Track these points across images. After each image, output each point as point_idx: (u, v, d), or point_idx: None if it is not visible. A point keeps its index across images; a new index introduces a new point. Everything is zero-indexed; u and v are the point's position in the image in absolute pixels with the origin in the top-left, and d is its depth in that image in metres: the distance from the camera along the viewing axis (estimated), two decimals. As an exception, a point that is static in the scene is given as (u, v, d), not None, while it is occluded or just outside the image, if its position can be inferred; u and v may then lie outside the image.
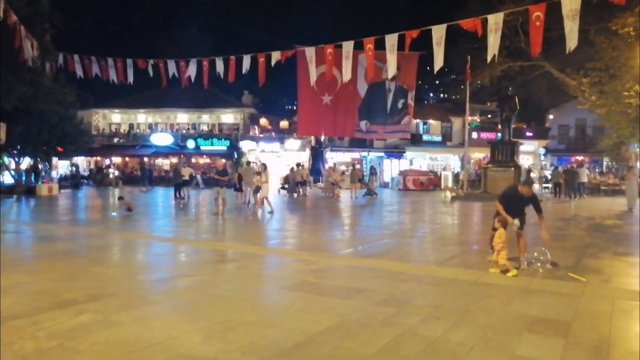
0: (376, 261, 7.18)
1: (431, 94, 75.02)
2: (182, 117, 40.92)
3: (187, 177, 21.17)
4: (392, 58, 13.90)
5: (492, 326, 4.26)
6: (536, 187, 27.21)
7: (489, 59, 12.71)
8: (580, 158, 37.47)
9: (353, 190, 21.96)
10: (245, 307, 4.76)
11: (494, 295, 5.31)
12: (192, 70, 16.77)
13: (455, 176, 29.95)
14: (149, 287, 5.60)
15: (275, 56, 15.53)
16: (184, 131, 39.96)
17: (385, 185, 34.02)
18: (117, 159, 39.60)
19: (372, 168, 32.79)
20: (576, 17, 10.16)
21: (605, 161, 35.61)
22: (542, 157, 39.77)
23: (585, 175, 23.06)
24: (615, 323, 4.44)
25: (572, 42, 10.23)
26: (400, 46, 13.42)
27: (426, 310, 4.71)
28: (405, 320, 4.41)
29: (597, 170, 34.62)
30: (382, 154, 37.31)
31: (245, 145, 38.39)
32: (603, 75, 20.32)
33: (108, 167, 37.53)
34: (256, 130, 40.23)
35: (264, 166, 16.55)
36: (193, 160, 37.33)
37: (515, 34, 26.57)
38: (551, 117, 41.64)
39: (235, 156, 35.90)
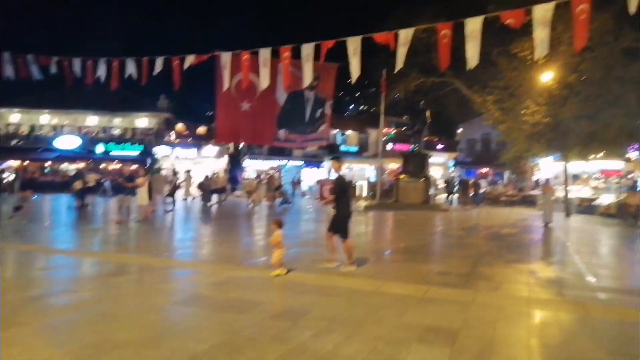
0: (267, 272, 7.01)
1: (352, 106, 76.87)
2: (92, 120, 38.40)
3: (92, 184, 19.84)
4: (308, 67, 13.93)
5: (384, 338, 4.25)
6: (444, 196, 28.70)
7: (396, 70, 13.15)
8: (485, 170, 39.99)
9: (268, 199, 21.73)
10: (128, 326, 4.39)
11: (390, 305, 5.35)
12: (101, 70, 15.77)
13: (370, 186, 30.71)
14: (18, 307, 5.01)
15: (190, 60, 15.02)
16: (94, 135, 37.57)
17: (303, 194, 34.12)
18: (14, 163, 36.28)
19: (294, 177, 32.90)
20: (477, 37, 10.78)
21: (507, 173, 38.25)
22: (451, 169, 41.97)
23: (483, 187, 24.71)
24: (500, 330, 4.61)
25: (472, 61, 10.84)
26: (317, 56, 13.52)
27: (321, 323, 4.61)
28: (298, 334, 4.28)
29: (499, 182, 37.17)
30: (301, 163, 37.47)
31: (159, 151, 36.86)
32: (504, 94, 21.87)
33: (2, 171, 34.28)
34: (172, 136, 38.79)
35: (175, 172, 15.91)
36: (102, 165, 35.17)
37: (428, 51, 27.92)
38: (460, 131, 44.14)
39: (149, 162, 34.32)
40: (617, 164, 26.26)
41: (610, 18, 17.71)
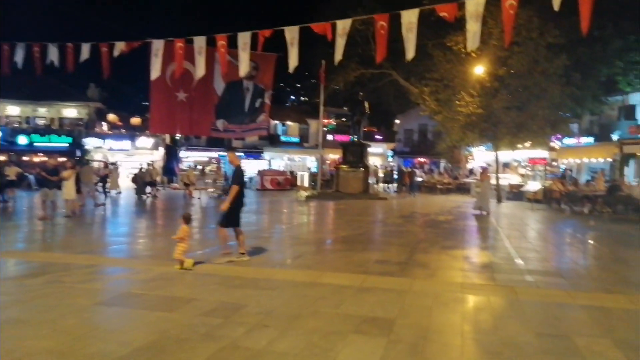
0: (214, 266, 6.75)
1: (293, 97, 76.47)
2: (13, 110, 35.69)
3: (13, 177, 18.41)
4: (244, 57, 13.58)
5: (320, 330, 4.14)
6: (383, 185, 29.23)
7: (335, 62, 13.10)
8: (422, 160, 41.10)
9: (200, 190, 21.09)
10: (41, 332, 4.01)
11: (327, 297, 5.26)
12: (19, 56, 14.55)
13: (312, 176, 30.71)
14: None
15: (120, 47, 14.19)
16: (15, 125, 34.98)
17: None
18: None
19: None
20: (413, 30, 10.91)
21: (443, 163, 39.51)
22: (390, 159, 42.82)
23: (420, 176, 25.40)
24: (435, 317, 4.63)
25: (409, 52, 10.96)
26: (255, 45, 13.18)
27: (255, 319, 4.44)
28: (230, 331, 4.09)
29: (435, 170, 38.31)
30: (241, 154, 36.81)
31: (90, 142, 34.94)
32: (439, 85, 22.47)
33: None
34: (104, 127, 36.88)
35: (106, 165, 15.06)
36: (26, 158, 32.83)
37: (367, 43, 28.11)
38: (398, 121, 45.06)
39: (79, 154, 32.44)
40: (542, 153, 27.74)
41: (536, 15, 18.58)
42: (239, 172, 7.27)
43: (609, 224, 13.62)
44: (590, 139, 28.12)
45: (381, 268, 6.85)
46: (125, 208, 16.93)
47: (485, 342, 4.01)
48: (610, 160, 26.23)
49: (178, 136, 35.96)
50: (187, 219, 6.74)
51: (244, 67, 14.10)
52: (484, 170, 17.07)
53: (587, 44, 23.64)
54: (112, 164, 23.03)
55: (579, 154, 27.72)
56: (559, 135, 26.75)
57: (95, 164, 20.87)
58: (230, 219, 7.10)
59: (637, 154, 24.85)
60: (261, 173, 30.51)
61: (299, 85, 69.75)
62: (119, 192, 21.76)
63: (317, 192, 23.28)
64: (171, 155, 34.80)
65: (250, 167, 36.08)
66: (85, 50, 14.35)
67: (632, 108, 27.62)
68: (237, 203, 7.12)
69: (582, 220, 14.60)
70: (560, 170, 27.89)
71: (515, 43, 19.16)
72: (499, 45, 19.33)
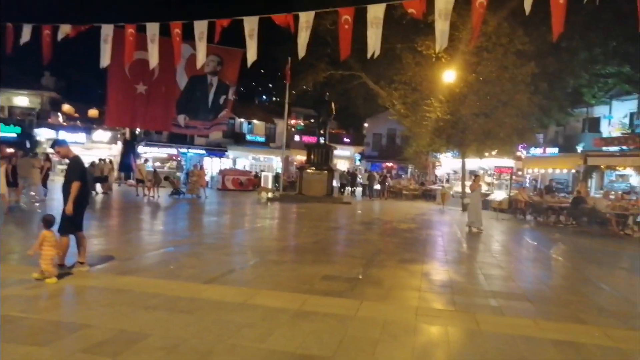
0: (134, 279, 5.77)
1: (264, 97, 75.13)
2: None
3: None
4: (202, 47, 12.61)
5: (231, 375, 3.25)
6: (348, 189, 28.51)
7: (299, 57, 12.27)
8: (390, 164, 40.70)
9: (153, 189, 19.81)
10: None
11: (255, 324, 4.37)
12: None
13: (276, 177, 29.76)
14: None
15: (65, 30, 12.94)
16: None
17: (203, 184, 32.31)
18: None
19: (195, 166, 30.86)
20: (379, 25, 10.18)
21: (410, 168, 39.21)
22: (358, 162, 42.25)
23: (387, 180, 24.93)
24: (380, 355, 3.81)
25: (375, 48, 10.22)
26: (213, 36, 12.25)
27: (155, 355, 3.51)
28: (112, 377, 3.15)
29: (403, 176, 37.98)
30: (203, 152, 35.53)
31: (42, 133, 32.96)
32: (407, 89, 21.90)
33: None
34: (59, 118, 34.91)
35: (48, 157, 13.75)
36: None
37: (337, 43, 27.34)
38: (367, 125, 44.58)
39: (28, 145, 30.50)
40: (509, 162, 27.61)
41: (505, 21, 18.24)
42: (75, 165, 6.04)
43: (574, 237, 13.21)
44: (555, 150, 28.18)
45: (328, 286, 6.00)
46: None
47: (437, 393, 3.20)
48: (573, 171, 26.27)
49: (138, 130, 34.40)
50: (48, 223, 5.66)
51: (200, 58, 13.12)
52: (476, 179, 14.38)
53: (555, 54, 23.60)
54: (45, 154, 21.46)
55: (544, 164, 27.72)
56: (524, 145, 26.66)
57: (40, 157, 19.32)
58: (72, 223, 5.96)
59: (601, 166, 24.92)
60: (223, 172, 29.37)
61: (270, 85, 68.57)
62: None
63: (280, 194, 22.36)
64: (129, 150, 33.17)
65: (214, 166, 34.87)
66: (27, 31, 13.06)
67: (596, 120, 27.81)
68: (80, 203, 6.00)
69: (546, 232, 14.17)
70: (526, 179, 27.83)
71: (484, 49, 18.78)
72: (468, 50, 18.92)
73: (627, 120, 26.06)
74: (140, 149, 33.56)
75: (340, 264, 7.61)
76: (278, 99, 58.52)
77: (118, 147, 34.70)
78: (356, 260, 7.79)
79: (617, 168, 25.04)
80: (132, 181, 27.68)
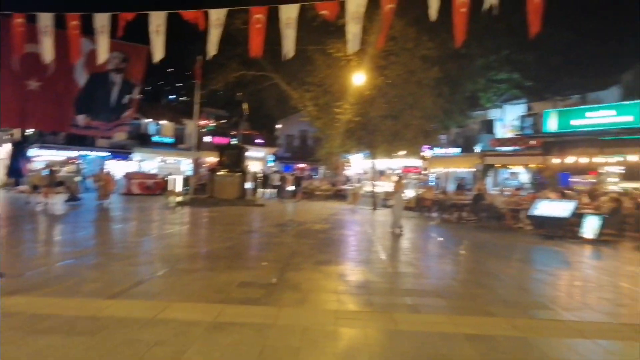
0: (24, 299, 5.14)
1: (173, 96, 72.20)
2: None
3: None
4: (103, 41, 11.73)
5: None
6: (261, 191, 28.23)
7: (209, 55, 11.86)
8: (302, 165, 40.97)
9: (47, 195, 18.21)
10: None
11: (167, 341, 4.06)
12: None
13: (185, 180, 28.66)
14: None
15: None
16: None
17: (111, 189, 30.30)
18: None
19: (101, 170, 28.82)
20: (292, 26, 10.10)
21: (322, 169, 39.70)
22: (271, 164, 42.03)
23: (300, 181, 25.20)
24: (301, 363, 3.70)
25: (288, 50, 10.13)
26: (116, 31, 11.43)
27: (49, 388, 3.11)
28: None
29: (315, 177, 38.41)
30: (107, 154, 33.36)
31: None
32: (319, 91, 22.15)
33: None
34: None
35: None
36: None
37: (247, 43, 26.93)
38: (280, 126, 44.52)
39: None
40: (416, 162, 28.94)
41: (411, 26, 19.06)
42: None
43: (475, 232, 14.07)
44: (457, 150, 30.06)
45: (244, 293, 5.79)
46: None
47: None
48: (473, 170, 28.16)
49: (30, 131, 31.48)
50: None
51: (102, 53, 12.23)
52: (399, 179, 13.95)
53: (455, 60, 25.15)
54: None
55: (447, 164, 29.41)
56: (429, 145, 28.10)
57: None
58: None
59: (497, 165, 26.97)
60: (128, 176, 27.74)
61: (179, 85, 66.04)
62: None
63: (190, 197, 21.53)
64: (19, 153, 30.20)
65: (118, 169, 32.84)
66: None
67: (491, 123, 30.15)
68: None
69: (451, 228, 14.97)
70: (431, 179, 29.33)
71: (392, 53, 19.49)
72: (377, 54, 19.54)
73: (517, 123, 28.52)
74: (33, 151, 30.74)
75: (256, 269, 7.41)
76: (187, 99, 56.64)
77: (7, 149, 31.48)
78: (272, 265, 7.63)
79: (510, 166, 27.27)
80: (24, 187, 25.22)
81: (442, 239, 12.53)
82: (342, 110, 20.82)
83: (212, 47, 11.53)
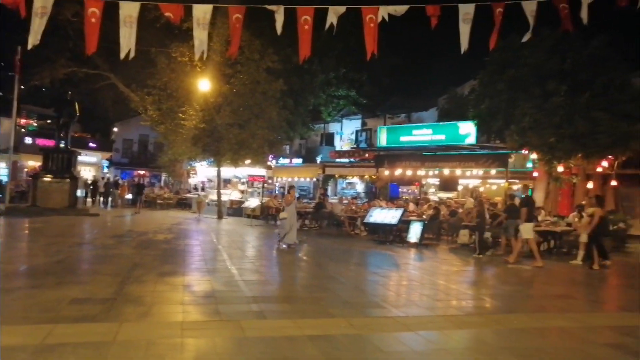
0: None
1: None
2: None
3: None
4: None
5: None
6: (95, 199, 25.88)
7: (29, 46, 10.61)
8: (142, 172, 38.66)
9: None
10: None
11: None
12: None
13: (1, 187, 24.89)
14: None
15: None
16: None
17: None
18: None
19: None
20: (133, 24, 9.60)
21: (164, 176, 37.93)
22: (106, 170, 38.78)
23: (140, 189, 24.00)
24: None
25: (129, 49, 9.59)
26: None
27: None
28: None
29: (156, 184, 36.58)
30: None
31: None
32: (162, 95, 21.21)
33: None
34: None
35: None
36: None
37: (81, 38, 24.61)
38: (116, 130, 41.41)
39: None
40: (261, 171, 29.41)
41: (257, 37, 19.43)
42: None
43: (317, 238, 14.87)
44: (300, 160, 31.39)
45: (78, 310, 5.32)
46: None
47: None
48: (314, 179, 29.67)
49: None
50: None
51: None
52: (290, 191, 13.07)
53: (299, 75, 26.37)
54: None
55: (291, 173, 30.50)
56: (274, 155, 28.83)
57: None
58: None
59: (336, 175, 28.83)
60: None
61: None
62: None
63: (5, 206, 18.76)
64: None
65: None
66: None
67: (331, 135, 32.23)
68: None
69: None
70: (275, 188, 30.05)
71: (238, 62, 19.58)
72: (223, 61, 19.48)
73: (353, 137, 30.94)
74: None
75: (92, 283, 6.84)
76: (2, 94, 49.21)
77: None
78: (110, 278, 7.11)
79: (347, 177, 29.39)
80: None
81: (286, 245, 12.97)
82: (186, 116, 20.24)
83: (34, 37, 10.34)
